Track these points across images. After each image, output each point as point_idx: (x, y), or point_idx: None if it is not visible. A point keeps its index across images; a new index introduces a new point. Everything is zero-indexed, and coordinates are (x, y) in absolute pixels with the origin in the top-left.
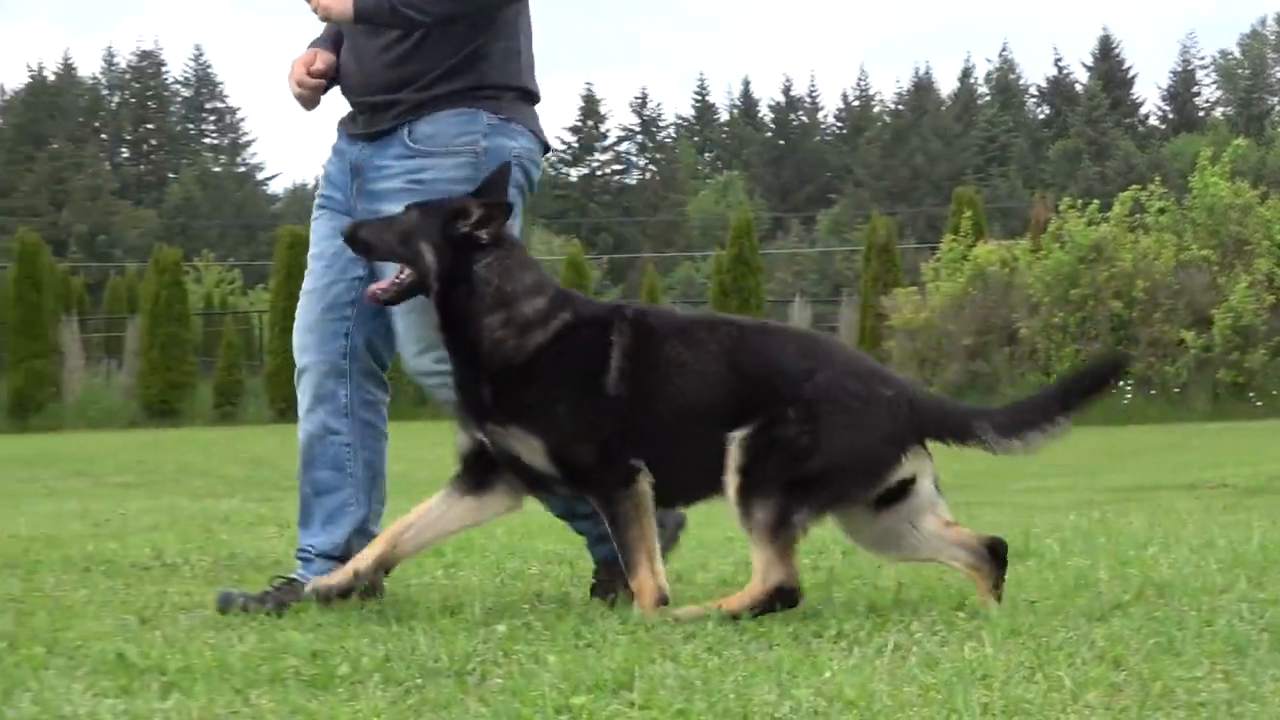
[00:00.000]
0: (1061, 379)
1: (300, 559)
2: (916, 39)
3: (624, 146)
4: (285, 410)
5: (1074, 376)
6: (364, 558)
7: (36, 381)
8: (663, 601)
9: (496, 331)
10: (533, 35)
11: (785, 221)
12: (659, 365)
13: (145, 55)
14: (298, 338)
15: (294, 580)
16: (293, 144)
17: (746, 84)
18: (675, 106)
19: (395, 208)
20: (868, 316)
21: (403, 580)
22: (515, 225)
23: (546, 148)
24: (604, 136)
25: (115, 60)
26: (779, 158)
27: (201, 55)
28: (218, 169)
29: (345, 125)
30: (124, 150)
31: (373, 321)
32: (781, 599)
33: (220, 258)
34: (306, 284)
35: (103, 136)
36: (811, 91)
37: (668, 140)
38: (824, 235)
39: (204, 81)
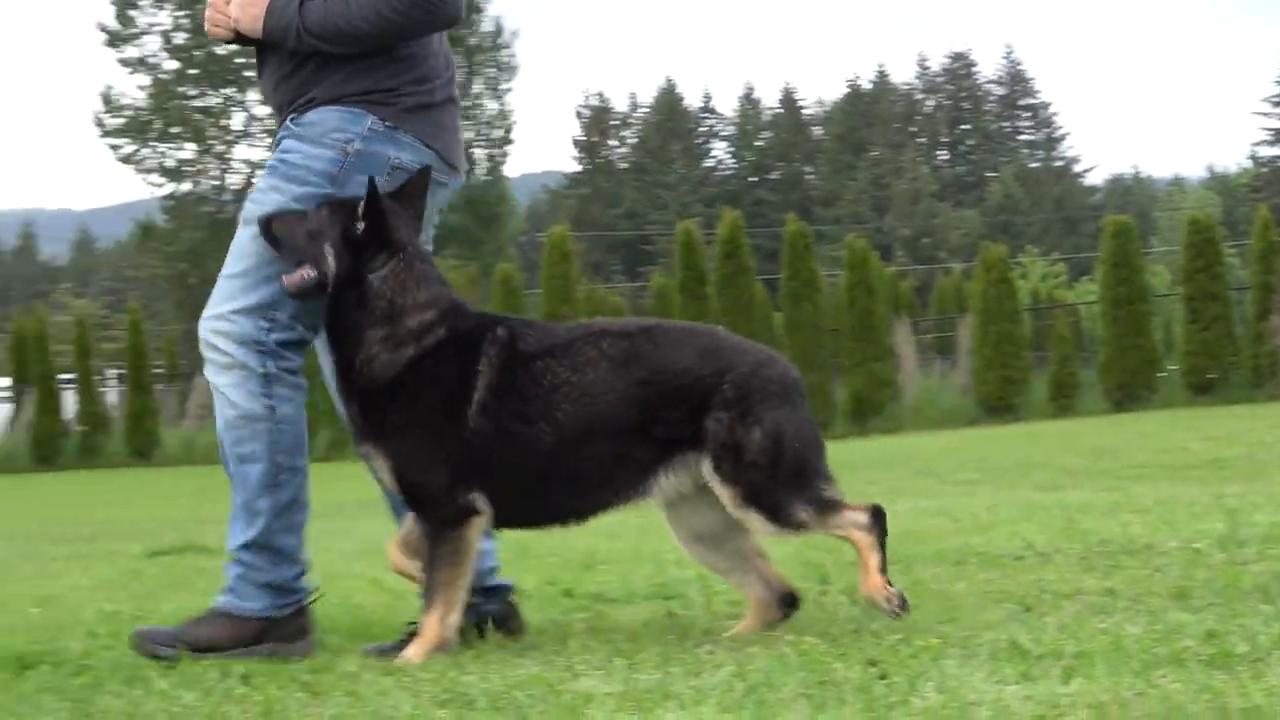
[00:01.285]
0: None
1: None
2: None
3: None
4: (1121, 401)
5: None
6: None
7: (875, 384)
8: (441, 649)
9: (373, 347)
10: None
11: None
12: (535, 392)
13: (957, 57)
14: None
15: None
16: (1107, 136)
17: None
18: None
19: (266, 181)
20: None
21: None
22: (428, 236)
23: (454, 167)
24: None
25: (928, 64)
26: None
27: (1012, 53)
28: (1035, 164)
29: None
30: (941, 152)
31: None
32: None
33: (1043, 252)
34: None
35: (920, 140)
36: None
37: None
38: None
39: (1016, 79)
